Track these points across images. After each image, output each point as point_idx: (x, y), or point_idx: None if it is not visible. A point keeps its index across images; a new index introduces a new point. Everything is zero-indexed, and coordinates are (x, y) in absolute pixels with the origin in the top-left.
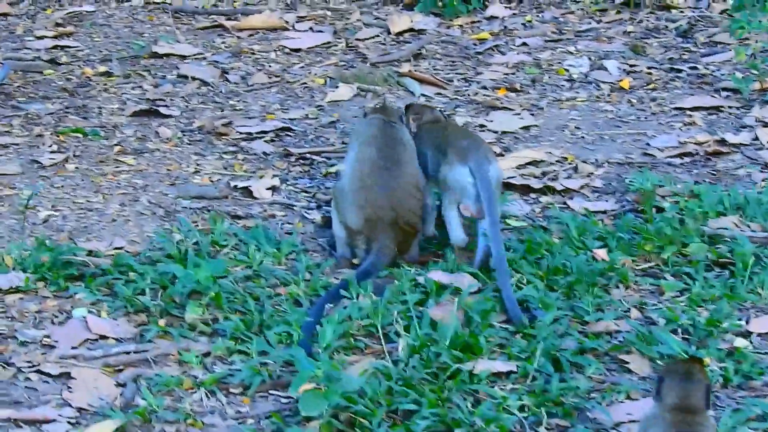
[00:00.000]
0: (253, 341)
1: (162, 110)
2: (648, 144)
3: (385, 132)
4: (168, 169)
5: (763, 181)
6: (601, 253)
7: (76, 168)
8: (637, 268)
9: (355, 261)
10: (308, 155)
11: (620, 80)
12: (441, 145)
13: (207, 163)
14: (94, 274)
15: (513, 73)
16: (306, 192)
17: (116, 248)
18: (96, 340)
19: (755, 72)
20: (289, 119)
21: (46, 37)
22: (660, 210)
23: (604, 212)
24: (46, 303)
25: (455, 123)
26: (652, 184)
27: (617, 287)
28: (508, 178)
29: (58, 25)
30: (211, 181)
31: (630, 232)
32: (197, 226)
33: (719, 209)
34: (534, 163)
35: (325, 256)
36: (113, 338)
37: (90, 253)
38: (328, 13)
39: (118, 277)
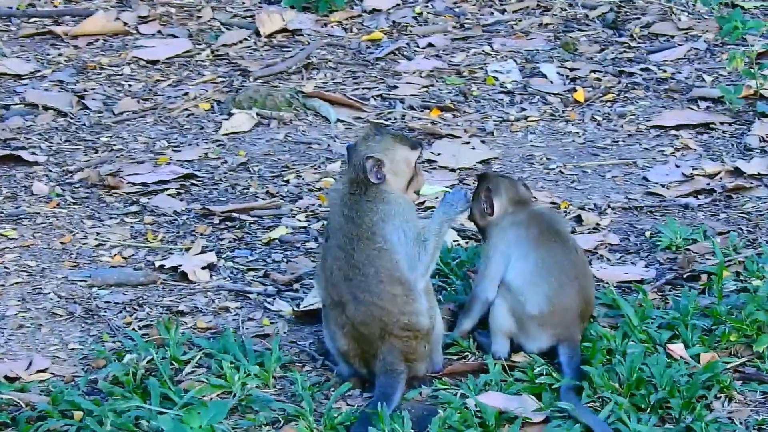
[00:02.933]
0: None
1: (23, 155)
2: (645, 179)
3: (341, 216)
4: (62, 243)
5: None
6: (678, 350)
7: None
8: (727, 366)
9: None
10: (234, 214)
11: (571, 91)
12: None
13: (108, 232)
14: (30, 418)
15: (432, 85)
16: (253, 270)
17: (39, 371)
18: None
19: (750, 81)
20: (187, 161)
21: None
22: (710, 275)
23: (641, 282)
24: None
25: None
26: (682, 238)
27: (717, 397)
28: None
29: None
30: (124, 258)
31: (698, 315)
32: (132, 328)
33: None
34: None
35: (318, 368)
36: None
37: (11, 382)
38: (173, 10)
39: (64, 422)
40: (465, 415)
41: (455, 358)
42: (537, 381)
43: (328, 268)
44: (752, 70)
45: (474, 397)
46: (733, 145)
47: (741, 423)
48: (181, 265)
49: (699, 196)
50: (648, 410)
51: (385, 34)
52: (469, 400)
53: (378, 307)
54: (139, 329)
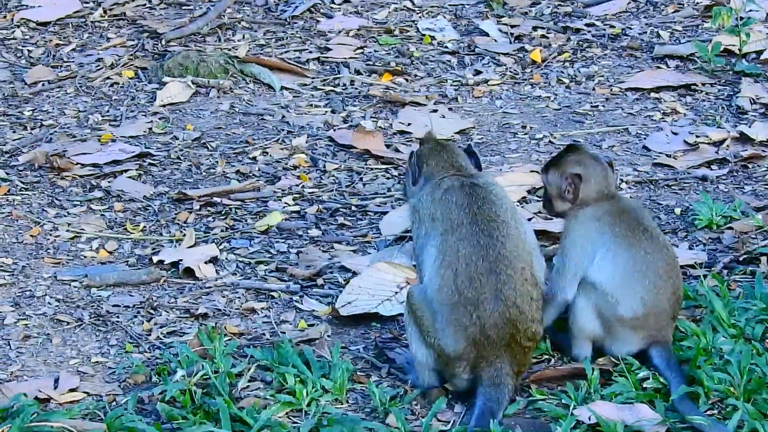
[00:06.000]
0: None
1: None
2: (646, 148)
3: (473, 206)
4: (32, 236)
5: None
6: None
7: None
8: None
9: (448, 386)
10: (214, 198)
11: (521, 50)
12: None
13: (79, 221)
14: None
15: (366, 46)
16: (262, 263)
17: (70, 390)
18: None
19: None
20: (132, 137)
21: None
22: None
23: (694, 266)
24: None
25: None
26: (720, 216)
27: None
28: None
29: None
30: (109, 253)
31: None
32: (156, 336)
33: None
34: (532, 191)
35: (385, 377)
36: None
37: (44, 404)
38: None
39: None
40: (583, 430)
41: (534, 361)
42: (644, 387)
43: (463, 260)
44: (737, 28)
45: (591, 409)
46: (723, 107)
47: None
48: (181, 260)
49: (712, 167)
50: None
51: None
52: (579, 412)
53: (517, 309)
54: (164, 336)
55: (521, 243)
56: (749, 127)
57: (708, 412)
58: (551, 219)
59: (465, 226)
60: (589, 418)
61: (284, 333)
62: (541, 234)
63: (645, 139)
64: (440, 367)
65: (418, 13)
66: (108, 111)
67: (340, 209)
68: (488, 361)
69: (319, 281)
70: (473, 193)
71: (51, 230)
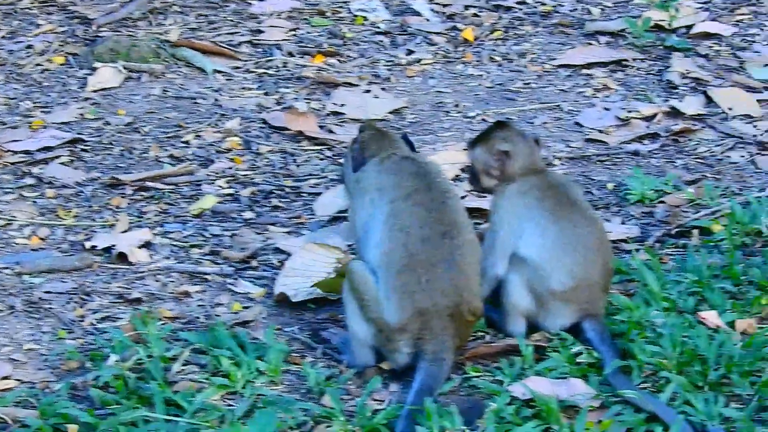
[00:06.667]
0: None
1: None
2: (578, 124)
3: (427, 177)
4: None
5: None
6: (712, 318)
7: None
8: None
9: (383, 366)
10: (146, 183)
11: (453, 29)
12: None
13: (10, 209)
14: None
15: (298, 28)
16: (196, 247)
17: (3, 377)
18: None
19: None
20: (64, 124)
21: None
22: (705, 232)
23: (626, 241)
24: None
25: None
26: (653, 190)
27: None
28: None
29: None
30: (42, 239)
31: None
32: (89, 322)
33: None
34: (465, 169)
35: (320, 358)
36: None
37: None
38: None
39: None
40: (518, 406)
41: (470, 338)
42: (577, 361)
43: (417, 223)
44: (666, 3)
45: (526, 385)
46: (654, 82)
47: None
48: (114, 245)
49: (644, 141)
50: (706, 389)
51: None
52: (513, 388)
53: (465, 278)
54: (97, 322)
55: (468, 219)
56: (680, 101)
57: (641, 385)
58: (484, 197)
59: (420, 193)
60: (524, 394)
61: (219, 316)
62: (474, 212)
63: (577, 115)
64: (380, 343)
65: None
66: (39, 98)
67: (274, 191)
68: (432, 332)
69: (254, 263)
70: (425, 167)
71: None
